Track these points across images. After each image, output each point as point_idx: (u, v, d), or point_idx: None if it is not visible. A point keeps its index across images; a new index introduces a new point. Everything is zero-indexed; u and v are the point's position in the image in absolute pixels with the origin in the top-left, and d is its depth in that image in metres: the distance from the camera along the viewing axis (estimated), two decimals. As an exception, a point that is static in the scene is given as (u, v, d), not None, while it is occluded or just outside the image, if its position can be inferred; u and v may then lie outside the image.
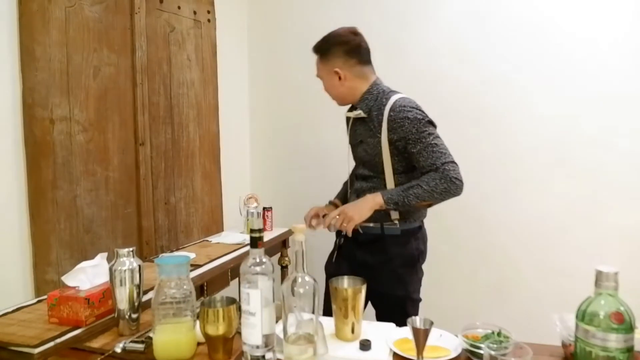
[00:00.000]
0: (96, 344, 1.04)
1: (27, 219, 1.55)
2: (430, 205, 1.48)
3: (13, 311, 1.21)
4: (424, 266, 1.58)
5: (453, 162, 1.38)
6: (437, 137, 1.40)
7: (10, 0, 1.51)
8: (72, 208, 1.70)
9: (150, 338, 0.97)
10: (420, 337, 0.87)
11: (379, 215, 1.43)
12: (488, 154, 2.38)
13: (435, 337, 0.99)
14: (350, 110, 1.56)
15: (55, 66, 1.65)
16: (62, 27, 1.67)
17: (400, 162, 1.44)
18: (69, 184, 1.69)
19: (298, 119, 2.79)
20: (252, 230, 0.91)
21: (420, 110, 1.42)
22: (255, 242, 0.91)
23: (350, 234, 1.40)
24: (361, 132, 1.50)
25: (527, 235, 2.34)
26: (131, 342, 0.99)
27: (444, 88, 2.41)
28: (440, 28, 2.40)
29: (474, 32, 2.35)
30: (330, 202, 1.70)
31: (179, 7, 2.27)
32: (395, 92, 1.47)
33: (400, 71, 2.49)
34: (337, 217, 1.41)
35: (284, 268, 2.48)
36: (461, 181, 1.36)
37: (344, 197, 1.69)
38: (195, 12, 2.38)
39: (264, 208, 2.35)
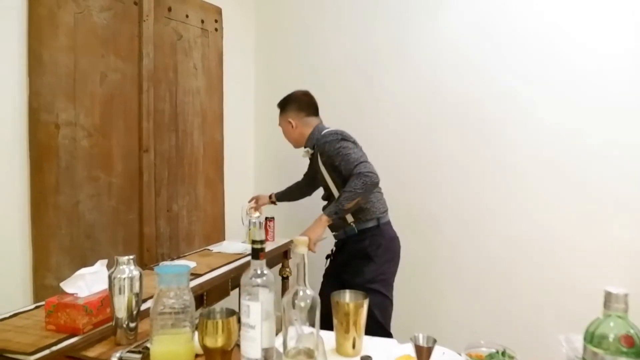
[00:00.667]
0: (92, 353, 1.02)
1: (29, 223, 1.54)
2: (358, 203, 1.78)
3: (10, 317, 1.19)
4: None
5: (364, 161, 1.75)
6: (350, 147, 1.81)
7: (21, 5, 1.52)
8: (73, 213, 1.69)
9: (148, 349, 0.95)
10: (423, 354, 0.85)
11: (339, 224, 1.89)
12: (490, 168, 2.37)
13: (438, 355, 0.97)
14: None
15: (62, 71, 1.66)
16: (70, 33, 1.69)
17: (338, 177, 1.85)
18: (71, 189, 1.69)
19: (302, 129, 2.79)
20: (254, 242, 0.90)
21: (337, 133, 1.86)
22: (256, 254, 0.90)
23: (313, 250, 1.77)
24: (313, 163, 2.02)
25: (531, 251, 2.31)
26: (128, 352, 0.98)
27: (445, 99, 2.40)
28: (442, 39, 2.41)
29: (475, 43, 2.35)
30: (270, 195, 2.41)
31: (187, 16, 2.29)
32: (327, 129, 1.95)
33: (404, 81, 2.51)
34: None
35: (284, 279, 2.46)
36: (374, 173, 1.73)
37: (282, 196, 2.40)
38: (202, 21, 2.40)
39: (266, 218, 2.34)
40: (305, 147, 2.03)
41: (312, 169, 2.10)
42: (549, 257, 2.27)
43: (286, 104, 2.07)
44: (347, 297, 1.08)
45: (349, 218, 1.87)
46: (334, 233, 1.99)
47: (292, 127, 2.02)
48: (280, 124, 2.11)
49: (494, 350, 0.95)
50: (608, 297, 0.71)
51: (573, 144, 2.22)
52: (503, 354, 0.94)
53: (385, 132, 2.57)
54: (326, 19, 2.70)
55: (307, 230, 1.79)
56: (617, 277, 2.13)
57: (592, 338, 0.71)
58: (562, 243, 2.25)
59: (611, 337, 0.69)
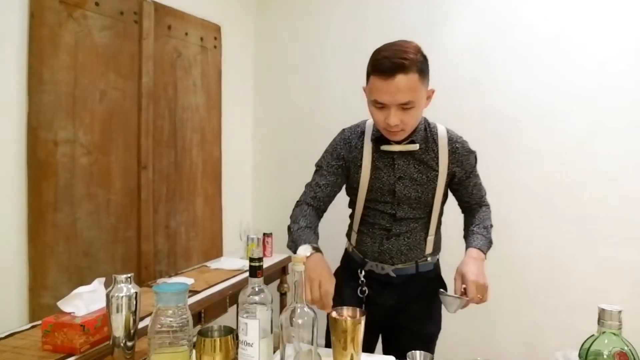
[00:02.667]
0: (89, 372, 1.02)
1: (26, 241, 1.54)
2: None
3: (6, 337, 1.19)
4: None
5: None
6: None
7: (22, 25, 1.55)
8: (71, 231, 1.70)
9: (145, 368, 0.95)
10: None
11: (414, 254, 1.33)
12: (489, 187, 2.38)
13: (436, 372, 0.97)
14: (389, 142, 1.25)
15: (62, 89, 1.68)
16: (71, 52, 1.71)
17: (444, 196, 1.34)
18: (69, 206, 1.69)
19: (300, 146, 2.81)
20: (251, 259, 0.91)
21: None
22: (254, 272, 0.90)
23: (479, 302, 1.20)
24: (410, 166, 1.27)
25: (530, 269, 2.31)
26: (125, 371, 0.97)
27: (445, 117, 2.42)
28: (444, 51, 2.45)
29: (474, 54, 2.39)
30: (315, 248, 1.18)
31: (186, 34, 2.33)
32: (429, 121, 1.33)
33: None
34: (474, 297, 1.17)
35: (282, 295, 2.45)
36: None
37: (315, 238, 1.26)
38: (202, 39, 2.44)
39: (264, 234, 2.34)
40: (409, 139, 1.24)
41: (402, 173, 1.27)
42: (549, 275, 2.28)
43: (427, 65, 1.18)
44: (344, 314, 1.08)
45: (429, 248, 1.35)
46: (402, 266, 1.33)
47: (425, 102, 1.20)
48: (412, 98, 1.11)
49: (492, 367, 0.95)
50: (602, 314, 0.72)
51: (572, 166, 2.24)
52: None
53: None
54: (326, 37, 2.74)
55: (479, 274, 1.20)
56: (616, 296, 2.13)
57: (587, 355, 0.72)
58: (562, 262, 2.26)
59: (605, 353, 0.70)
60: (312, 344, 0.88)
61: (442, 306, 1.24)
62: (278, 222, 2.71)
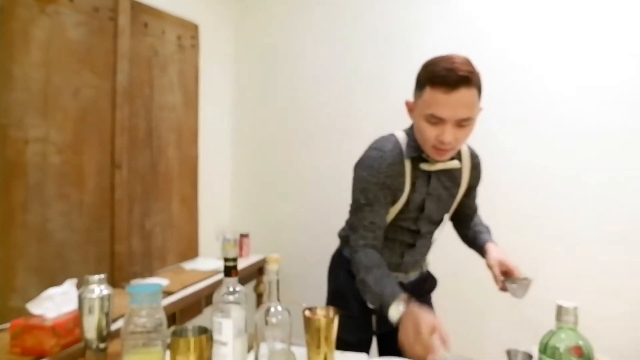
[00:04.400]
0: (60, 375, 1.00)
1: (-6, 242, 1.50)
2: None
3: (-27, 339, 1.16)
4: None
5: None
6: None
7: (-8, 21, 1.51)
8: (42, 232, 1.66)
9: (118, 369, 0.94)
10: None
11: (423, 261, 1.41)
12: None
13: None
14: (427, 160, 1.20)
15: (33, 86, 1.64)
16: (43, 48, 1.68)
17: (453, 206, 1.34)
18: (40, 207, 1.66)
19: (280, 146, 2.82)
20: (226, 259, 0.92)
21: None
22: (229, 271, 0.91)
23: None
24: (440, 184, 1.24)
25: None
26: (97, 373, 0.96)
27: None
28: (420, 59, 2.50)
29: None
30: (404, 299, 1.05)
31: (163, 32, 2.30)
32: None
33: (382, 100, 2.57)
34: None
35: (259, 296, 2.45)
36: None
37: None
38: (179, 37, 2.41)
39: (240, 235, 2.34)
40: (451, 158, 1.20)
41: (434, 191, 1.24)
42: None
43: (481, 78, 1.07)
44: (318, 313, 1.09)
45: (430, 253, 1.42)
46: (407, 275, 1.36)
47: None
48: (471, 115, 1.07)
49: (460, 363, 0.98)
50: (559, 311, 0.76)
51: (544, 171, 2.32)
52: (469, 366, 0.97)
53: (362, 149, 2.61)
54: (307, 38, 2.76)
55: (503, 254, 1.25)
56: (583, 295, 2.21)
57: (545, 349, 0.76)
58: (531, 262, 2.33)
59: (562, 348, 0.74)
60: (286, 343, 0.89)
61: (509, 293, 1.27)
62: (255, 223, 2.72)
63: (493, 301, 2.39)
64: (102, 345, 1.04)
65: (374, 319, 1.31)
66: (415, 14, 2.51)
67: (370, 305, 1.11)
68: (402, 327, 0.97)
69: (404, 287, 1.27)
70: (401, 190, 1.19)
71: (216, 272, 2.01)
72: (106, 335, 1.05)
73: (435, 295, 2.45)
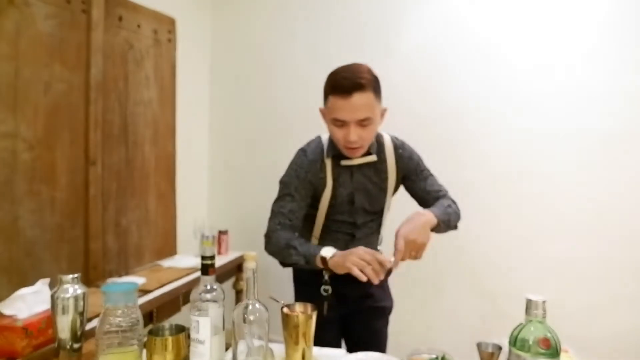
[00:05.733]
0: (32, 376, 0.98)
1: (-39, 241, 1.45)
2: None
3: (-61, 342, 1.12)
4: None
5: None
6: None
7: (-43, 11, 1.45)
8: (12, 230, 1.61)
9: (92, 369, 0.93)
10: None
11: (373, 248, 1.36)
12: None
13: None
14: (348, 157, 1.31)
15: (2, 80, 1.59)
16: (11, 40, 1.62)
17: (389, 200, 1.42)
18: (10, 204, 1.61)
19: (258, 142, 2.81)
20: (203, 257, 0.91)
21: None
22: (206, 269, 0.91)
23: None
24: (365, 177, 1.35)
25: (472, 266, 2.44)
26: (71, 374, 0.95)
27: (399, 119, 2.49)
28: (397, 61, 2.52)
29: (430, 66, 2.48)
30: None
31: (138, 26, 2.26)
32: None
33: None
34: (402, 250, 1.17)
35: (238, 293, 2.44)
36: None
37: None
38: (155, 31, 2.37)
39: (219, 232, 2.32)
40: (368, 153, 1.32)
41: (360, 185, 1.35)
42: (490, 269, 2.41)
43: (379, 84, 1.24)
44: (296, 309, 1.10)
45: (380, 239, 1.47)
46: None
47: (379, 119, 1.27)
48: (369, 117, 1.20)
49: (434, 356, 1.01)
50: (529, 304, 0.78)
51: (512, 164, 2.38)
52: (442, 358, 1.00)
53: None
54: (284, 31, 2.74)
55: (415, 231, 1.18)
56: (551, 288, 2.29)
57: (515, 341, 0.78)
58: (502, 257, 2.40)
59: (531, 340, 0.77)
60: (264, 340, 0.90)
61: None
62: (234, 220, 2.70)
63: (465, 295, 2.45)
64: (76, 346, 1.03)
65: (325, 305, 1.33)
66: (391, 8, 2.52)
67: (299, 261, 1.23)
68: (342, 256, 1.15)
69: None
70: (323, 185, 1.33)
71: (194, 270, 1.99)
72: (80, 335, 1.04)
73: (408, 289, 2.50)
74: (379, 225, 1.44)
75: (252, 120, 2.82)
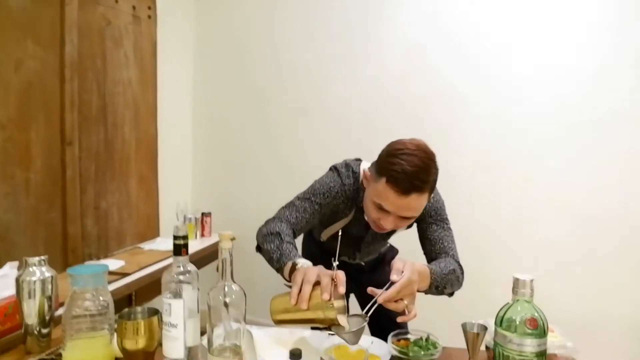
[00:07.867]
0: (-1, 363, 0.93)
1: None
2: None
3: None
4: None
5: None
6: None
7: None
8: (-17, 213, 1.55)
9: (61, 355, 0.88)
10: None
11: (381, 249, 1.51)
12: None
13: (367, 343, 0.99)
14: None
15: (-32, 56, 1.50)
16: (-21, 15, 1.53)
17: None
18: (-20, 186, 1.54)
19: (242, 124, 2.74)
20: (175, 237, 0.86)
21: None
22: (179, 249, 0.86)
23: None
24: (379, 234, 1.34)
25: (461, 245, 2.42)
26: (39, 360, 0.90)
27: (388, 105, 2.44)
28: (386, 45, 2.45)
29: (416, 52, 2.42)
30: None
31: (116, 1, 2.16)
32: None
33: (345, 91, 2.51)
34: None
35: (223, 276, 2.40)
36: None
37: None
38: (134, 7, 2.27)
39: (202, 214, 2.28)
40: None
41: (360, 230, 1.34)
42: (479, 251, 2.40)
43: (437, 178, 1.12)
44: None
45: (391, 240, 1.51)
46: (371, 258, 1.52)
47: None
48: (418, 212, 1.13)
49: (418, 337, 0.99)
50: (516, 283, 0.75)
51: (502, 148, 2.35)
52: (427, 340, 0.97)
53: (330, 134, 2.56)
54: (268, 14, 2.66)
55: (417, 280, 1.03)
56: (539, 269, 2.29)
57: (501, 322, 0.76)
58: (491, 238, 2.39)
59: (518, 320, 0.74)
60: (241, 323, 0.86)
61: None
62: (217, 202, 2.65)
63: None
64: (44, 331, 0.98)
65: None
66: (377, 1, 2.45)
67: (274, 252, 1.13)
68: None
69: (361, 266, 1.48)
70: (342, 215, 1.28)
71: (177, 253, 1.94)
72: (49, 320, 0.99)
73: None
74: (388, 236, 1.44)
75: (236, 102, 2.74)
